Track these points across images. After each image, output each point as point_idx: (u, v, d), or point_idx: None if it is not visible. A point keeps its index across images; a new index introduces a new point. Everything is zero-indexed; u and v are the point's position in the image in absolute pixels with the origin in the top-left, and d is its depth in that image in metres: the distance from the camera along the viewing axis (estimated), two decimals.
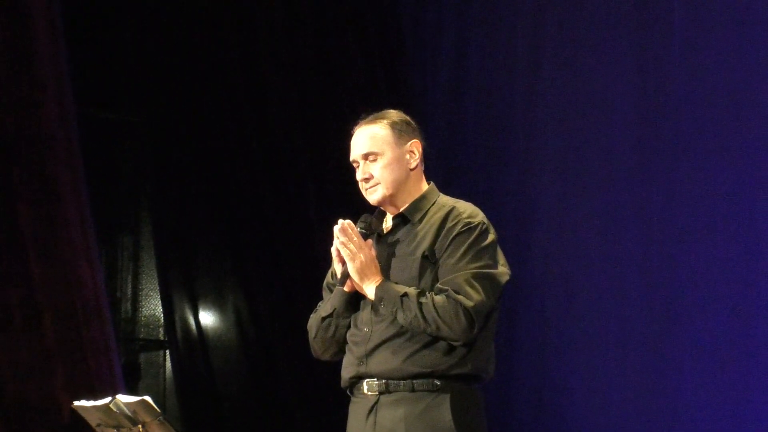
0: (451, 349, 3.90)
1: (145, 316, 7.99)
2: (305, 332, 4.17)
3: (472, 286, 3.87)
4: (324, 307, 4.11)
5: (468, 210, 4.04)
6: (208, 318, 7.68)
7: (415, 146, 4.09)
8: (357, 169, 4.11)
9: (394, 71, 7.88)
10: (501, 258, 4.01)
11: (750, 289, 6.48)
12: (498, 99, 7.61)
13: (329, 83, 7.73)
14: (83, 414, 4.38)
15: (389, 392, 3.93)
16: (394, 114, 4.14)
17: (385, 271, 3.99)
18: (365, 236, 4.04)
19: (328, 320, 4.07)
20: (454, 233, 3.96)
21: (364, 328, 3.99)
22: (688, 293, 6.68)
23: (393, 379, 3.93)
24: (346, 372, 4.04)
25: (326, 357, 4.16)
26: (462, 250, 3.94)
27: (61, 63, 6.36)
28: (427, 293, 3.90)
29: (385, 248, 4.05)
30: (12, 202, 6.14)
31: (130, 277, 7.97)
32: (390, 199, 4.08)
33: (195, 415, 7.59)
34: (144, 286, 7.98)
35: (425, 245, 3.98)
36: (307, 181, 7.58)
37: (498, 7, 7.71)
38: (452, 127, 7.73)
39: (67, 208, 6.25)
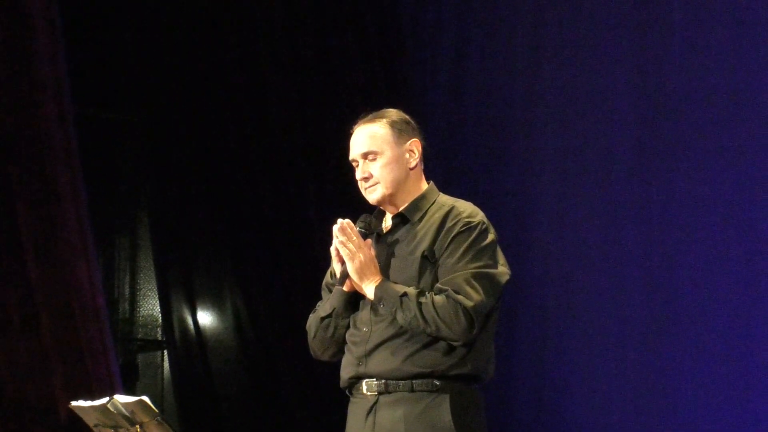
0: (450, 350, 3.89)
1: (143, 317, 7.98)
2: (304, 332, 4.16)
3: (472, 286, 3.86)
4: (323, 307, 4.10)
5: (468, 209, 4.03)
6: (206, 318, 7.68)
7: (415, 145, 4.08)
8: (356, 169, 4.10)
9: (394, 71, 7.87)
10: (501, 258, 4.00)
11: (750, 289, 6.48)
12: (498, 98, 7.61)
13: (329, 83, 7.73)
14: (81, 414, 4.37)
15: (388, 392, 3.92)
16: (393, 113, 4.13)
17: (385, 270, 3.98)
18: (364, 236, 4.03)
19: (327, 320, 4.06)
20: (454, 233, 3.95)
21: (364, 328, 3.98)
22: (688, 293, 6.68)
23: (392, 379, 3.91)
24: (345, 372, 4.03)
25: (325, 357, 4.15)
26: (462, 249, 3.93)
27: (60, 63, 6.37)
28: (426, 293, 3.89)
29: (385, 248, 4.04)
30: (10, 202, 6.14)
31: (128, 277, 7.97)
32: (389, 199, 4.07)
33: (193, 415, 7.58)
34: (142, 286, 7.98)
35: (425, 245, 3.97)
36: (306, 181, 7.57)
37: (498, 6, 7.71)
38: (452, 127, 7.73)
39: (65, 208, 6.25)
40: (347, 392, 4.07)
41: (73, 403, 4.37)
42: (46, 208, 6.20)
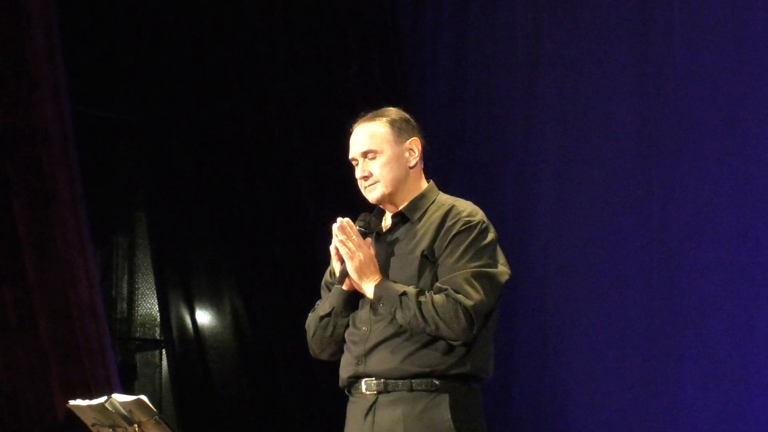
0: (450, 349, 3.88)
1: (141, 316, 7.98)
2: (303, 331, 4.16)
3: (472, 286, 3.85)
4: (322, 306, 4.09)
5: (468, 209, 4.02)
6: (204, 317, 7.67)
7: (415, 144, 4.08)
8: (356, 167, 4.09)
9: (393, 70, 7.87)
10: (501, 257, 3.99)
11: (750, 288, 6.49)
12: (497, 98, 7.61)
13: (328, 82, 7.72)
14: (79, 413, 4.36)
15: (387, 392, 3.91)
16: (393, 112, 4.13)
17: (384, 269, 3.97)
18: (364, 235, 4.02)
19: (326, 319, 4.05)
20: (454, 232, 3.94)
21: (363, 327, 3.97)
22: (688, 293, 6.68)
23: (391, 378, 3.91)
24: (345, 371, 4.02)
25: (324, 356, 4.14)
26: (461, 249, 3.92)
27: (57, 62, 6.36)
28: (426, 292, 3.88)
29: (384, 247, 4.03)
30: (8, 201, 6.14)
31: (126, 277, 7.97)
32: (389, 198, 4.06)
33: (191, 414, 7.57)
34: (140, 286, 7.97)
35: (424, 244, 3.96)
36: (305, 180, 7.56)
37: (497, 6, 7.71)
38: (451, 126, 7.73)
39: (63, 208, 6.25)
40: (346, 391, 4.06)
41: (71, 403, 4.36)
42: (43, 208, 6.20)
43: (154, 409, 4.15)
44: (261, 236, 7.57)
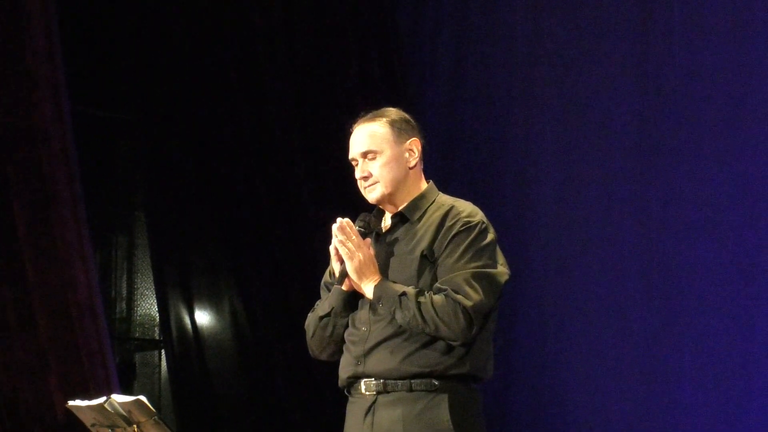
0: (449, 349, 3.88)
1: (140, 316, 7.97)
2: (303, 331, 4.15)
3: (471, 286, 3.85)
4: (322, 306, 4.08)
5: (467, 209, 4.01)
6: (204, 317, 7.66)
7: (415, 144, 4.07)
8: (356, 168, 4.08)
9: (393, 70, 7.86)
10: (500, 258, 3.99)
11: (750, 288, 6.48)
12: (497, 97, 7.61)
13: (328, 82, 7.71)
14: (78, 414, 4.35)
15: (387, 392, 3.91)
16: (393, 112, 4.12)
17: (384, 270, 3.97)
18: (364, 235, 4.01)
19: (325, 319, 4.04)
20: (453, 232, 3.94)
21: (362, 328, 3.96)
22: (688, 293, 6.69)
23: (391, 378, 3.90)
24: (344, 372, 4.01)
25: (324, 357, 4.13)
26: (461, 249, 3.91)
27: (57, 61, 6.36)
28: (425, 293, 3.87)
29: (384, 247, 4.03)
30: (7, 201, 6.14)
31: (125, 277, 7.96)
32: (389, 198, 4.05)
33: (190, 414, 7.57)
34: (139, 286, 7.96)
35: (424, 244, 3.95)
36: (304, 180, 7.56)
37: (497, 6, 7.70)
38: (451, 126, 7.72)
39: (62, 208, 6.24)
40: (345, 392, 4.05)
41: (70, 403, 4.35)
42: (43, 208, 6.20)
43: (153, 410, 4.15)
44: (261, 236, 7.56)
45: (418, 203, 4.05)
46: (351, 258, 3.93)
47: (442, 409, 3.87)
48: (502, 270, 3.95)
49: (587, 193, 7.14)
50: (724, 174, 6.63)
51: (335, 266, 4.04)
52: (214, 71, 7.60)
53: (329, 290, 4.09)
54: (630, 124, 7.03)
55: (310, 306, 4.16)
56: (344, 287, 4.00)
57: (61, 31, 6.44)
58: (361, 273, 3.93)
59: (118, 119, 7.93)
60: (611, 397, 6.92)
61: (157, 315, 7.85)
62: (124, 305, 7.94)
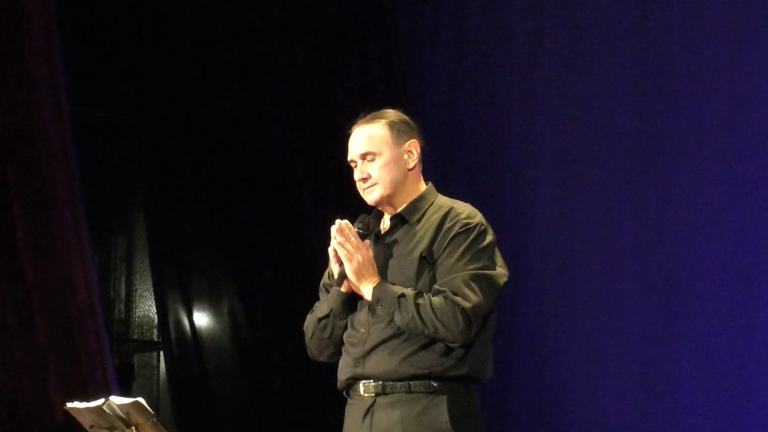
0: (448, 351, 3.88)
1: (138, 317, 7.97)
2: (302, 333, 4.15)
3: (470, 288, 3.85)
4: (321, 308, 4.08)
5: (466, 211, 4.01)
6: (202, 319, 7.66)
7: (414, 146, 4.07)
8: (355, 169, 4.08)
9: (393, 70, 7.86)
10: (499, 259, 3.99)
11: (750, 288, 6.48)
12: (496, 98, 7.61)
13: (328, 82, 7.71)
14: (76, 415, 4.35)
15: (386, 394, 3.91)
16: (392, 113, 4.12)
17: (383, 271, 3.97)
18: (363, 236, 4.01)
19: (324, 321, 4.04)
20: (452, 234, 3.94)
21: (361, 329, 3.96)
22: (687, 293, 6.68)
23: (390, 380, 3.90)
24: (343, 373, 4.01)
25: (322, 358, 4.13)
26: (460, 250, 3.91)
27: (56, 62, 6.35)
28: (424, 294, 3.87)
29: (383, 249, 4.02)
30: (6, 201, 6.13)
31: (123, 278, 7.95)
32: (388, 200, 4.05)
33: (189, 416, 7.56)
34: (138, 287, 7.96)
35: (423, 246, 3.95)
36: (304, 181, 7.55)
37: (497, 6, 7.70)
38: (450, 127, 7.72)
39: (61, 208, 6.24)
40: (344, 393, 4.05)
41: (69, 405, 4.35)
42: (42, 208, 6.20)
43: (152, 411, 4.15)
44: (260, 237, 7.56)
45: (417, 205, 4.04)
46: (350, 260, 3.93)
47: (441, 411, 3.86)
48: (501, 271, 3.95)
49: (587, 193, 7.13)
50: (724, 174, 6.63)
51: (334, 268, 4.03)
52: (214, 71, 7.60)
53: (328, 292, 4.09)
54: (630, 124, 7.03)
55: (309, 307, 4.16)
56: (343, 289, 4.00)
57: (60, 31, 6.43)
58: (359, 275, 3.93)
59: (117, 119, 7.92)
60: (611, 397, 6.92)
61: (156, 316, 7.84)
62: (122, 306, 7.93)
